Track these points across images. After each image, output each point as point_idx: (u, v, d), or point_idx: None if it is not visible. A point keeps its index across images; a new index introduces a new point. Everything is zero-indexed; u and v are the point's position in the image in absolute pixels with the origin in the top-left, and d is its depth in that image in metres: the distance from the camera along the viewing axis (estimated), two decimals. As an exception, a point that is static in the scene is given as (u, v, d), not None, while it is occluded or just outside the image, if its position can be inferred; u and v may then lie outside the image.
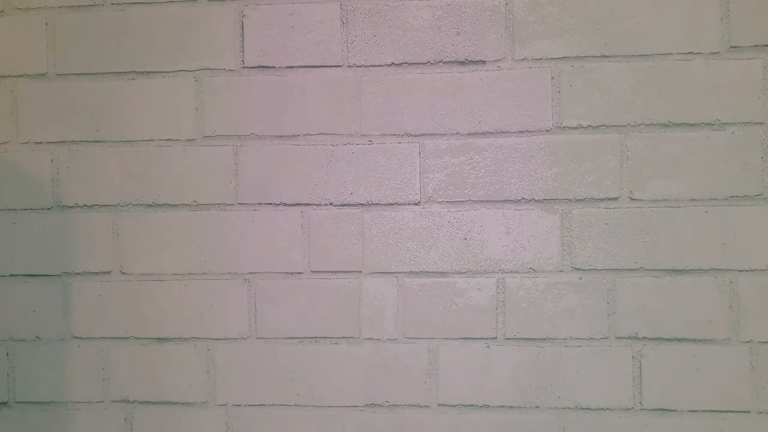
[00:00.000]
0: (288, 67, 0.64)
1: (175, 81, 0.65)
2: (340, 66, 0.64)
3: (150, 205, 0.66)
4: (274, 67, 0.64)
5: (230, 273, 0.65)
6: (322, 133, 0.64)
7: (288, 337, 0.65)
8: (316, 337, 0.65)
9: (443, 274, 0.64)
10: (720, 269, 0.61)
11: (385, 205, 0.64)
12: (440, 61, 0.63)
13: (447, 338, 0.64)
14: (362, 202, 0.64)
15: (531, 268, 0.63)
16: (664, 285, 0.62)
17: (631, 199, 0.62)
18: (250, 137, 0.65)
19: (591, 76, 0.62)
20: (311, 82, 0.64)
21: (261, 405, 0.65)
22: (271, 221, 0.65)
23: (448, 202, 0.63)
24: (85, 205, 0.66)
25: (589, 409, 0.63)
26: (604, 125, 0.62)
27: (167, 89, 0.65)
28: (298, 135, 0.64)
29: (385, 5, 0.64)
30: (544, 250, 0.63)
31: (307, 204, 0.64)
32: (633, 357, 0.62)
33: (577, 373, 0.63)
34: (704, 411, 0.62)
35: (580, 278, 0.63)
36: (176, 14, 0.65)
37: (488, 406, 0.63)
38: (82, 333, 0.66)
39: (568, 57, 0.62)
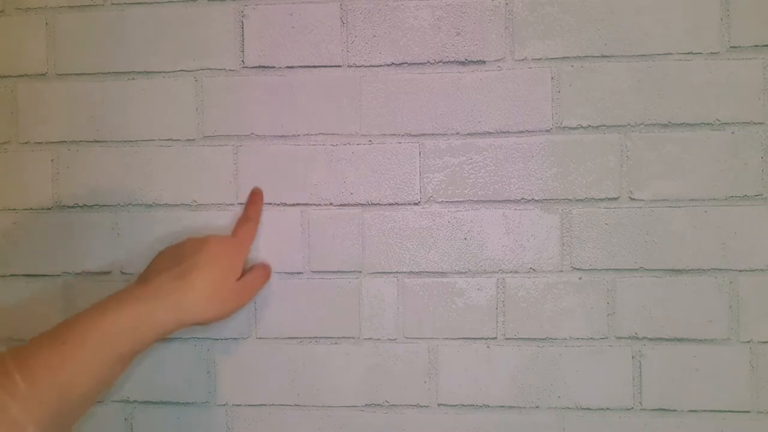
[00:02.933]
0: (288, 67, 0.64)
1: (175, 81, 0.65)
2: (340, 66, 0.64)
3: (150, 205, 0.66)
4: (274, 67, 0.64)
5: (230, 273, 0.65)
6: (322, 133, 0.64)
7: (288, 337, 0.65)
8: (316, 337, 0.65)
9: (443, 274, 0.64)
10: (720, 269, 0.61)
11: (385, 205, 0.64)
12: (440, 61, 0.63)
13: (447, 338, 0.64)
14: (362, 202, 0.64)
15: (531, 268, 0.63)
16: (664, 285, 0.62)
17: (631, 199, 0.62)
18: (250, 137, 0.65)
19: (591, 76, 0.62)
20: (311, 82, 0.64)
21: (261, 405, 0.65)
22: (270, 221, 0.65)
23: (448, 202, 0.63)
24: (85, 205, 0.66)
25: (589, 409, 0.63)
26: (604, 125, 0.62)
27: (167, 89, 0.65)
28: (298, 135, 0.64)
29: (385, 5, 0.64)
30: (544, 250, 0.63)
31: (307, 204, 0.64)
32: (633, 357, 0.62)
33: (577, 373, 0.63)
34: (704, 411, 0.62)
35: (580, 278, 0.63)
36: (176, 14, 0.65)
37: (488, 406, 0.63)
38: (82, 333, 0.66)
39: (568, 57, 0.62)
